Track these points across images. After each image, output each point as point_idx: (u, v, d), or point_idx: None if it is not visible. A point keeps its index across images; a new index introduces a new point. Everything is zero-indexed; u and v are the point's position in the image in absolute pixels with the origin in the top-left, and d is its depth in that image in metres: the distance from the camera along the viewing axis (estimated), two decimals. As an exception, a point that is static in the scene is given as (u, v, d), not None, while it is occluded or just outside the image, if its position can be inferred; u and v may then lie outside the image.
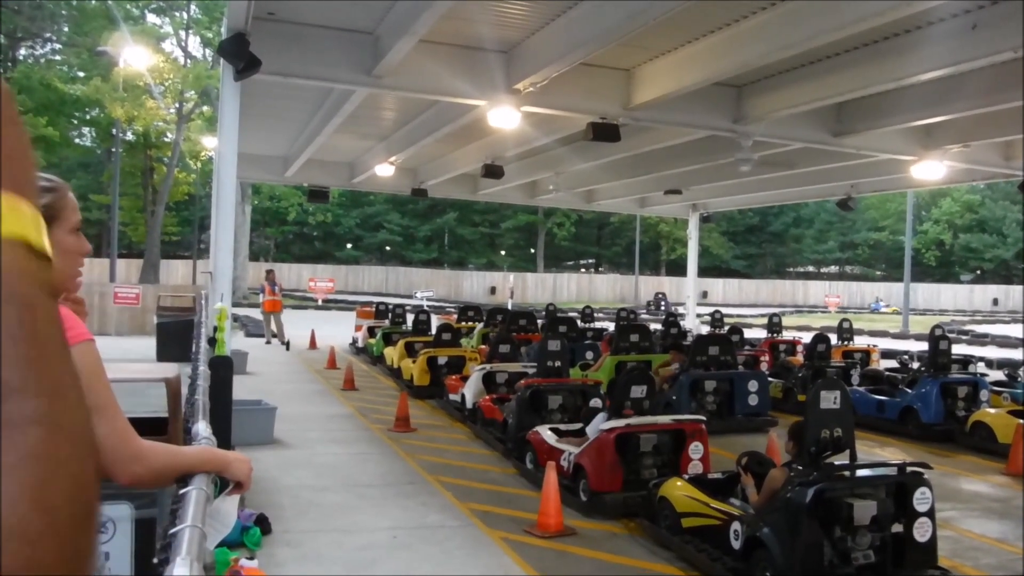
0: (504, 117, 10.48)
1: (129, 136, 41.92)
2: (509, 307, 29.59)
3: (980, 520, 7.56)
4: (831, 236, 65.10)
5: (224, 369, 7.86)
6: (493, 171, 15.50)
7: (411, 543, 6.45)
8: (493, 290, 50.61)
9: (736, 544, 5.69)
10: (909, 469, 5.62)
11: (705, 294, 47.86)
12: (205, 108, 39.04)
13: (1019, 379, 13.77)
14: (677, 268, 55.63)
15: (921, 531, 5.47)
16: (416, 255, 60.53)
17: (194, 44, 44.50)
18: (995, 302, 54.79)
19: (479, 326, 18.72)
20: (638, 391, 7.76)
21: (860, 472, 5.63)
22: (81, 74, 39.24)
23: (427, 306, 30.48)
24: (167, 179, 41.37)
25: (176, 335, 15.73)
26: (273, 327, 21.91)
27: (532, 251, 62.73)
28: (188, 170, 43.43)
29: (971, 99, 10.28)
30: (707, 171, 17.10)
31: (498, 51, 9.95)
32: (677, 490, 6.51)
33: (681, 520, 6.34)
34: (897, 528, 5.48)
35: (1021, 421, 9.86)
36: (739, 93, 11.53)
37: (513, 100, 10.12)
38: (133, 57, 30.48)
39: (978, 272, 62.61)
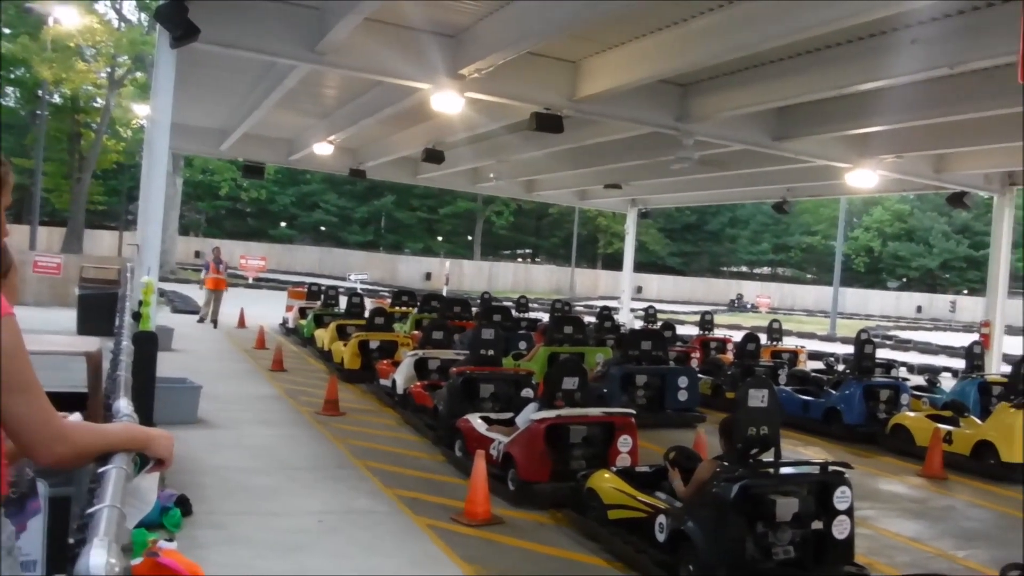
0: (447, 102, 10.39)
1: (56, 99, 40.46)
2: (444, 293, 29.47)
3: (897, 519, 7.79)
4: (765, 238, 66.48)
5: (148, 344, 7.67)
6: (434, 156, 15.39)
7: (339, 527, 6.37)
8: (429, 276, 50.36)
9: (661, 537, 5.75)
10: (831, 468, 5.74)
11: (640, 289, 48.41)
12: (139, 74, 37.80)
13: (938, 384, 14.24)
14: (613, 262, 56.06)
15: (840, 528, 5.60)
16: (352, 237, 59.83)
17: (129, 8, 43.03)
18: (919, 309, 56.57)
19: (413, 311, 18.60)
20: (570, 383, 7.78)
21: (784, 470, 5.73)
22: (7, 31, 37.63)
23: (361, 289, 30.19)
24: (95, 146, 39.99)
25: (99, 308, 15.28)
26: (212, 305, 21.35)
27: (470, 238, 62.59)
28: (118, 138, 42.09)
29: (906, 112, 10.57)
30: (648, 167, 17.26)
31: (445, 35, 9.85)
32: (605, 482, 6.55)
33: (608, 512, 6.38)
34: (817, 525, 5.59)
35: (938, 425, 10.20)
36: (684, 92, 11.64)
37: (457, 85, 10.04)
38: (64, 16, 29.40)
39: (904, 280, 64.56)
